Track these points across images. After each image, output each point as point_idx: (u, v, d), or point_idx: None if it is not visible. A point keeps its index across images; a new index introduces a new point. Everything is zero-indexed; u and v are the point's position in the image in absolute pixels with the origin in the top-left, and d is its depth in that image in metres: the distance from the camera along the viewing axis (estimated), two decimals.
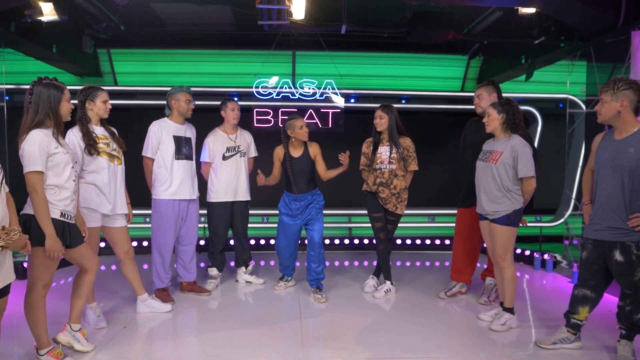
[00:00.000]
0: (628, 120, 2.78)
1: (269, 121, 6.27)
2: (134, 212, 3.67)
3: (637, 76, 3.93)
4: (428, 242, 6.33)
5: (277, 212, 4.27)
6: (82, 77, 6.38)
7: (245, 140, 4.50)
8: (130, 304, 3.85)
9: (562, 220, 6.12)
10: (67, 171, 2.73)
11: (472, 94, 4.08)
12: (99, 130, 3.33)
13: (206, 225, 4.63)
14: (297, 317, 3.67)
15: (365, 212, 4.26)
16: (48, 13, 4.51)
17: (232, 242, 5.02)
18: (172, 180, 3.89)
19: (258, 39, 6.23)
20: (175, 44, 6.39)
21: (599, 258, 2.91)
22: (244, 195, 4.44)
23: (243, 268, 4.63)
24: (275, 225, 4.37)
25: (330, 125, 6.34)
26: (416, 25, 5.29)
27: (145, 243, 5.85)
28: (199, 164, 4.27)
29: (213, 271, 4.46)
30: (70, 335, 2.94)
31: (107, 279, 4.65)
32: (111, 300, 4.00)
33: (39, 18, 4.56)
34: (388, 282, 4.27)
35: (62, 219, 2.70)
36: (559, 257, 5.33)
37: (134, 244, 5.08)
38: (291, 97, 6.29)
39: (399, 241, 6.23)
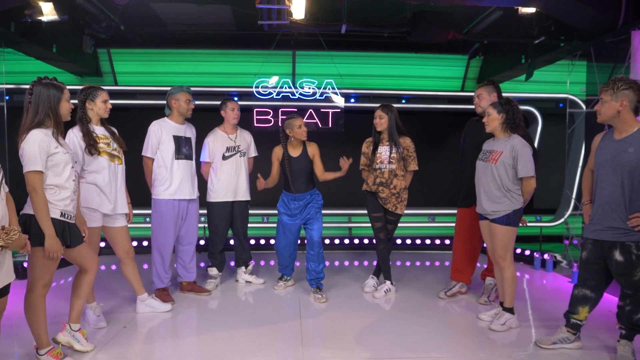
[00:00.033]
0: (628, 120, 2.78)
1: (269, 121, 6.27)
2: (134, 212, 3.67)
3: (637, 76, 3.93)
4: (428, 242, 6.32)
5: (277, 211, 4.27)
6: (82, 77, 6.38)
7: (245, 140, 4.50)
8: (130, 304, 3.85)
9: (562, 220, 6.11)
10: (67, 171, 2.73)
11: (472, 93, 4.08)
12: (99, 130, 3.33)
13: (206, 225, 4.63)
14: (297, 317, 3.67)
15: (365, 212, 4.26)
16: (48, 13, 4.51)
17: (232, 242, 5.02)
18: (172, 180, 3.89)
19: (258, 39, 6.23)
20: (175, 44, 6.39)
21: (598, 258, 2.91)
22: (243, 195, 4.43)
23: (243, 268, 4.63)
24: (275, 225, 4.37)
25: (330, 125, 6.34)
26: (416, 25, 5.28)
27: (145, 243, 5.85)
28: (198, 164, 4.27)
29: (213, 271, 4.46)
30: (70, 335, 2.94)
31: (107, 279, 4.65)
32: (111, 300, 4.00)
33: (39, 18, 4.55)
34: (388, 282, 4.27)
35: (62, 218, 2.70)
36: (559, 257, 5.33)
37: (134, 243, 5.07)
38: (291, 97, 6.29)
39: (399, 241, 6.23)
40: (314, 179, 4.19)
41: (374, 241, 4.30)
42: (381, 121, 4.06)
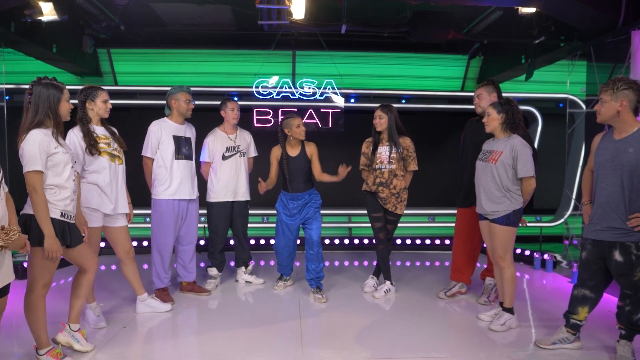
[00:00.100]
0: (627, 120, 2.78)
1: (269, 121, 6.27)
2: (134, 211, 3.68)
3: (637, 76, 3.93)
4: (428, 242, 6.32)
5: (276, 211, 4.27)
6: (82, 77, 6.39)
7: (245, 140, 4.50)
8: (130, 304, 3.85)
9: (562, 220, 6.11)
10: (67, 171, 2.73)
11: (472, 93, 4.08)
12: (99, 130, 3.34)
13: (206, 225, 4.63)
14: (296, 317, 3.67)
15: (365, 212, 4.26)
16: (48, 13, 4.51)
17: (232, 242, 5.02)
18: (171, 180, 3.89)
19: (258, 39, 6.24)
20: (175, 44, 6.39)
21: (598, 258, 2.91)
22: (243, 195, 4.43)
23: (243, 268, 4.63)
24: (275, 225, 4.36)
25: (330, 125, 6.34)
26: (416, 25, 5.28)
27: (145, 243, 5.85)
28: (198, 164, 4.28)
29: (213, 271, 4.46)
30: (70, 335, 2.94)
31: (107, 279, 4.65)
32: (111, 300, 4.00)
33: (39, 18, 4.56)
34: (388, 282, 4.27)
35: (62, 218, 2.70)
36: (559, 257, 5.33)
37: (134, 243, 5.07)
38: (291, 97, 6.29)
39: (399, 241, 6.23)
40: (312, 178, 4.19)
41: (374, 241, 4.30)
42: (381, 121, 4.06)
